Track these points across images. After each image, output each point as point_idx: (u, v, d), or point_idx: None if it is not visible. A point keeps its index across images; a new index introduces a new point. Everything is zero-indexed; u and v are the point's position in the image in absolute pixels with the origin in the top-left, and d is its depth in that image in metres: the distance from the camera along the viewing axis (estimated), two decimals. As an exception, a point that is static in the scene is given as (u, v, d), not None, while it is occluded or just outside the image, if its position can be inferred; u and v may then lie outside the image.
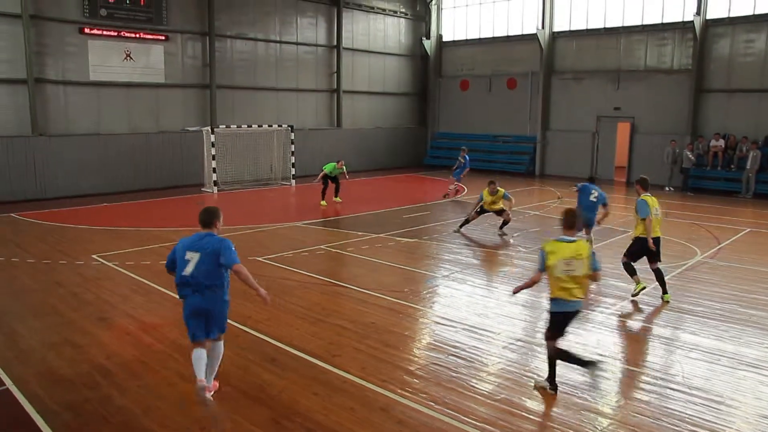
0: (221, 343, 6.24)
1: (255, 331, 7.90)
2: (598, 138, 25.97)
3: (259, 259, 11.27)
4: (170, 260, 6.05)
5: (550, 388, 6.46)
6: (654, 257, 9.16)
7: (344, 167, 18.57)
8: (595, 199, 11.84)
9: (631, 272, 9.37)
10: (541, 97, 27.17)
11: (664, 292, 9.31)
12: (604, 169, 26.07)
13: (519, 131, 28.54)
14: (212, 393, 6.16)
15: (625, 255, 9.39)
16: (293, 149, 23.48)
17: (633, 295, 9.42)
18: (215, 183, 20.96)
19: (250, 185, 22.29)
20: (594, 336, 7.90)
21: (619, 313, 8.84)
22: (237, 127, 21.95)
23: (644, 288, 9.34)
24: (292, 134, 23.38)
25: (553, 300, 6.33)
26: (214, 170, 20.99)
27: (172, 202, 18.37)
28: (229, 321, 6.37)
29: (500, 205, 13.66)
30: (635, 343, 7.86)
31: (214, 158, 20.91)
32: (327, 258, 11.66)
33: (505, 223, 13.84)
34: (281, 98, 25.48)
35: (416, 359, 7.22)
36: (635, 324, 8.51)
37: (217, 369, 6.26)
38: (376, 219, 15.39)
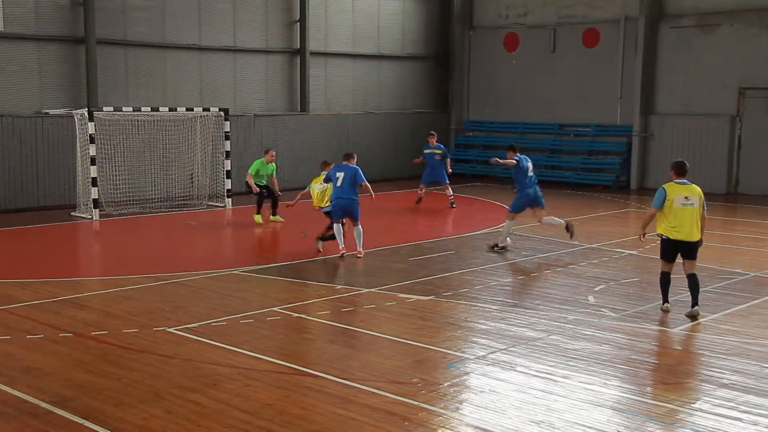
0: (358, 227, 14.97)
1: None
2: (741, 126, 25.36)
3: (171, 330, 11.24)
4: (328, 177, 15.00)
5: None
6: None
7: (273, 165, 19.65)
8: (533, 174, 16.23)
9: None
10: (641, 59, 26.74)
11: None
12: (751, 178, 25.24)
13: (603, 118, 28.23)
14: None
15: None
16: (228, 148, 22.97)
17: None
18: (96, 204, 20.55)
19: (156, 207, 22.58)
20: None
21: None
22: (133, 110, 21.89)
23: None
24: (227, 124, 23.02)
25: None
26: (94, 182, 20.52)
27: (21, 236, 18.44)
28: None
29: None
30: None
31: (93, 162, 20.45)
32: (284, 328, 11.84)
33: None
34: (208, 64, 25.50)
35: None
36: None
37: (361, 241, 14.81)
38: (365, 263, 16.09)
